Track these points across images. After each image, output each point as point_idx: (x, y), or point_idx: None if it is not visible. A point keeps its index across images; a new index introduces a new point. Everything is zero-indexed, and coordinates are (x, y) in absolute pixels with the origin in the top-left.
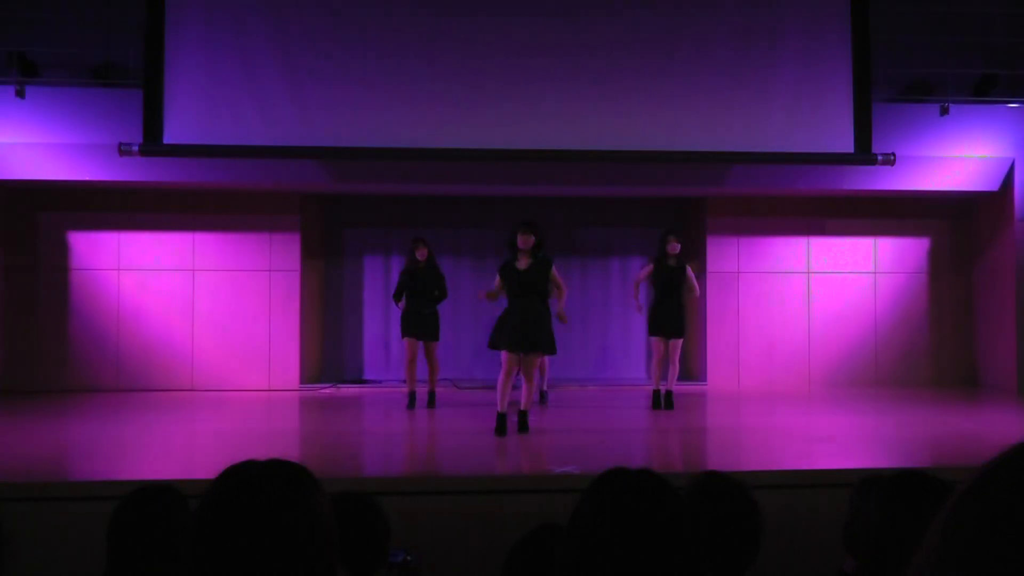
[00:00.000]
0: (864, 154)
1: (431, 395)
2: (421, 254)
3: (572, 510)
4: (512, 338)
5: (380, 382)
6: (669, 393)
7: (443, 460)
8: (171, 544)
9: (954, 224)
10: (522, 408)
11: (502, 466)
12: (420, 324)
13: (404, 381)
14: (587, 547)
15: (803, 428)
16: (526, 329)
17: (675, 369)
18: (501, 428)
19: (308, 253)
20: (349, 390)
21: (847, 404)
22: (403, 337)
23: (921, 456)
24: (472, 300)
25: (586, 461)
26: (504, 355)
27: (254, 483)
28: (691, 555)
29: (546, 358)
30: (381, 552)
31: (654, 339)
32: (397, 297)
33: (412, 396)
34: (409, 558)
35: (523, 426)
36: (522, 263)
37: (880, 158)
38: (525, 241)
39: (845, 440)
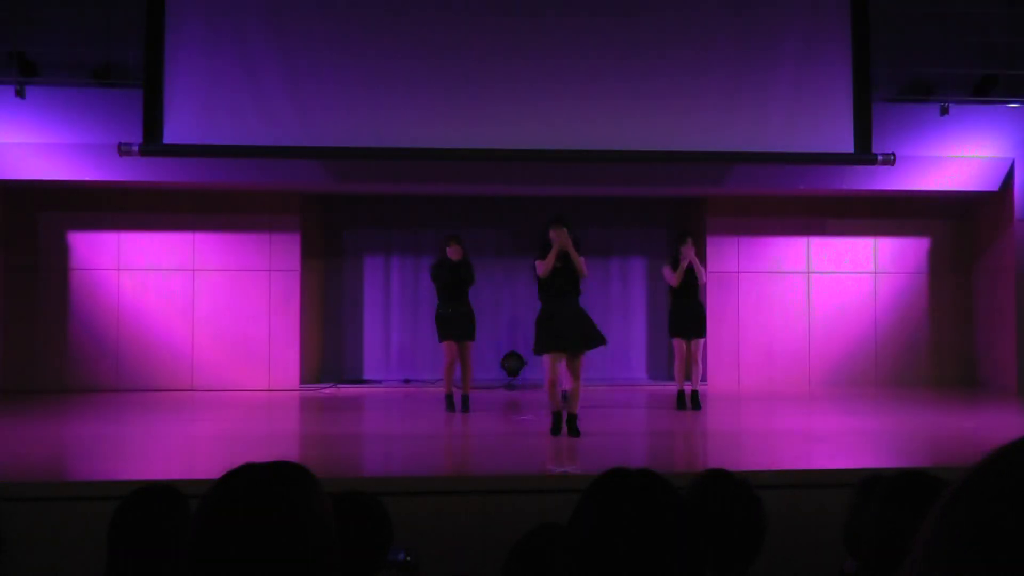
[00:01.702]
0: (864, 154)
1: (465, 399)
2: (454, 252)
3: (572, 510)
4: (567, 338)
5: (380, 382)
6: (695, 393)
7: (443, 460)
8: (171, 544)
9: (954, 224)
10: (572, 411)
11: (502, 466)
12: (459, 325)
13: (403, 383)
14: (587, 547)
15: (803, 428)
16: (579, 328)
17: (699, 368)
18: (557, 427)
19: (308, 253)
20: (349, 390)
21: (847, 404)
22: (441, 340)
23: (921, 456)
24: (477, 302)
25: (586, 461)
26: (548, 359)
27: (255, 485)
28: (691, 555)
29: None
30: (382, 553)
31: (675, 340)
32: (435, 278)
33: (451, 398)
34: (409, 558)
35: (573, 429)
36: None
37: (880, 158)
38: (559, 235)
39: (845, 440)
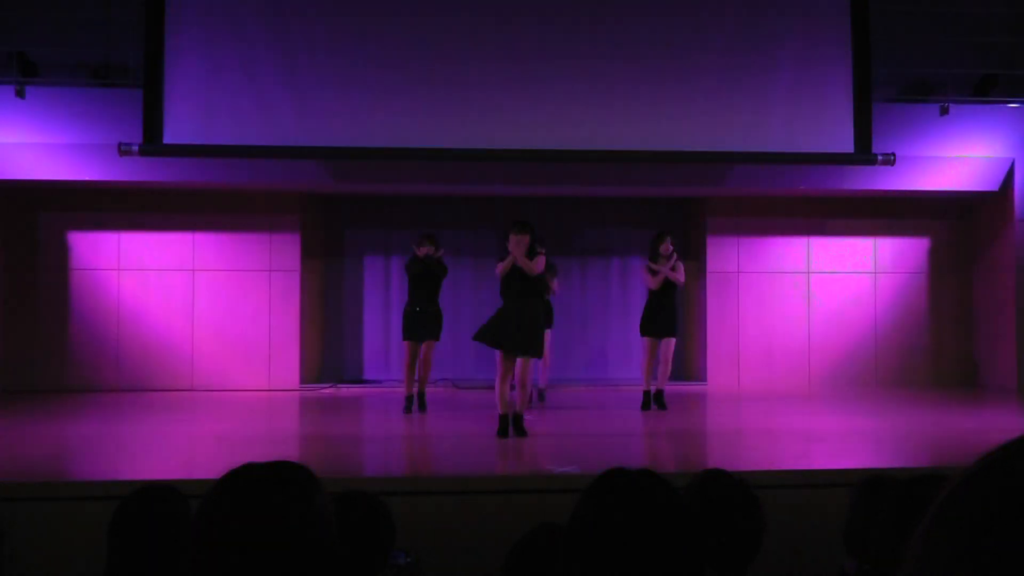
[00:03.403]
0: (864, 154)
1: (420, 396)
2: (422, 251)
3: (572, 510)
4: (500, 337)
5: (380, 382)
6: (660, 392)
7: (443, 460)
8: (171, 544)
9: (954, 224)
10: (516, 410)
11: (502, 466)
12: (422, 324)
13: (401, 382)
14: (587, 547)
15: (803, 428)
16: (517, 330)
17: (666, 368)
18: (503, 430)
19: (308, 253)
20: (349, 390)
21: (847, 404)
22: (404, 339)
23: (921, 456)
24: (472, 300)
25: (586, 461)
26: (499, 356)
27: (256, 485)
28: (691, 555)
29: (548, 356)
30: (384, 554)
31: (645, 339)
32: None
33: (410, 400)
34: (410, 559)
35: (519, 429)
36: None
37: (880, 158)
38: (519, 241)
39: (845, 440)
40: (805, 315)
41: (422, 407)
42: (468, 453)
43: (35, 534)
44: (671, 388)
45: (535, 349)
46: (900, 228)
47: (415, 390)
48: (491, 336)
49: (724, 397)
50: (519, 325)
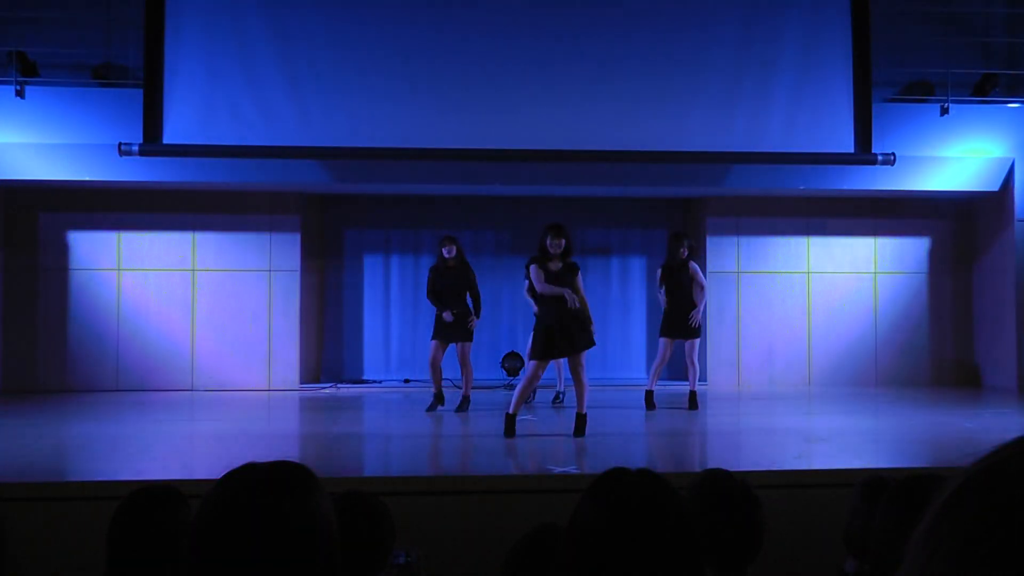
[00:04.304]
0: (864, 154)
1: (465, 399)
2: (448, 251)
3: (572, 510)
4: (558, 344)
5: (380, 382)
6: (693, 393)
7: (443, 460)
8: (171, 545)
9: (954, 224)
10: (581, 411)
11: (502, 466)
12: (449, 325)
13: (405, 382)
14: (587, 547)
15: (803, 428)
16: (571, 331)
17: (694, 369)
18: (510, 430)
19: (308, 253)
20: (349, 390)
21: (847, 404)
22: (432, 339)
23: (922, 456)
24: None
25: (586, 461)
26: (534, 363)
27: (255, 485)
28: (691, 555)
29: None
30: (384, 554)
31: (662, 340)
32: (431, 294)
33: (437, 397)
34: (410, 559)
35: (579, 430)
36: (554, 265)
37: (880, 158)
38: (556, 245)
39: (845, 440)
40: (805, 315)
41: (463, 408)
42: (469, 453)
43: (35, 534)
44: (672, 387)
45: (586, 341)
46: (900, 228)
47: (464, 392)
48: (551, 349)
49: (724, 397)
50: (571, 326)
